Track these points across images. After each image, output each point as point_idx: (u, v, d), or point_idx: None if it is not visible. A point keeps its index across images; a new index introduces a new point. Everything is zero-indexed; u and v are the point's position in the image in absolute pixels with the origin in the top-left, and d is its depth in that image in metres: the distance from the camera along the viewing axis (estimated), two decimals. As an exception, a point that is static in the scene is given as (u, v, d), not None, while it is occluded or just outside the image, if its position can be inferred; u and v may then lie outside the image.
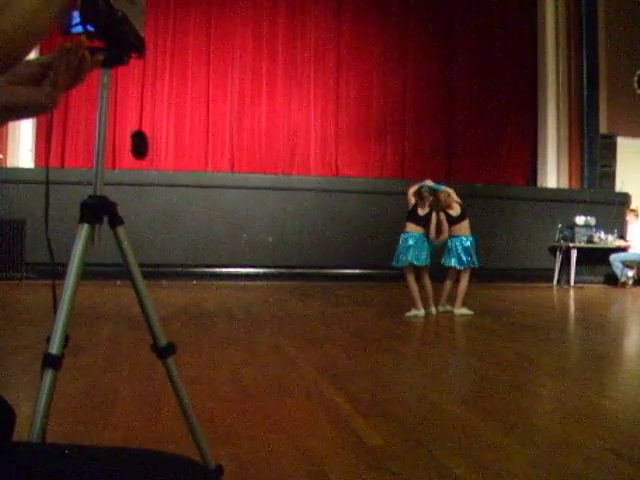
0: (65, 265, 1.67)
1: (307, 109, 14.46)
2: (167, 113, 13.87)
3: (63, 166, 13.02)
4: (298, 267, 12.15)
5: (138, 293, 1.86)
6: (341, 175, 14.15)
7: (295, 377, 4.63)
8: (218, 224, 12.01)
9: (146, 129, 12.81)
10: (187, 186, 12.03)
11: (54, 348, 1.59)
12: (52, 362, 1.58)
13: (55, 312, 1.62)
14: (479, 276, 12.55)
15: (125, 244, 1.80)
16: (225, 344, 5.92)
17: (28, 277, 10.59)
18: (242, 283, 11.56)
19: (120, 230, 1.79)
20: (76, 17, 1.37)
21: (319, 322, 7.62)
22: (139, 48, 1.58)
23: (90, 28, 1.38)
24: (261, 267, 12.16)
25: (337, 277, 11.88)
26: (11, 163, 12.58)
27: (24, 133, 12.87)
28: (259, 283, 11.66)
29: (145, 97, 13.73)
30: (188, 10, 14.02)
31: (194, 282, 11.36)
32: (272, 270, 12.15)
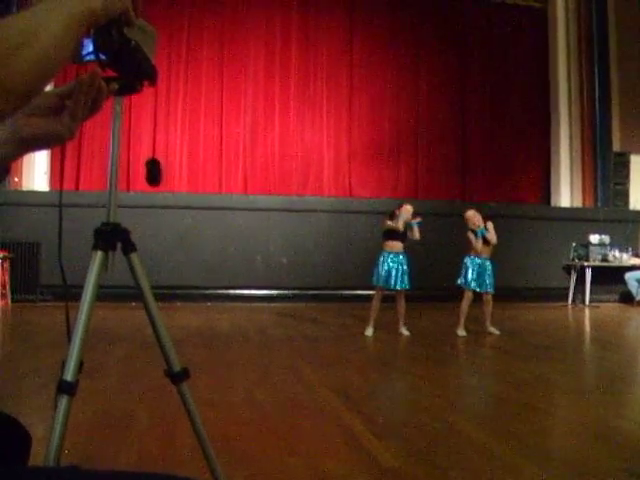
0: (79, 288, 1.68)
1: (320, 131, 14.52)
2: (181, 136, 13.96)
3: (78, 189, 13.11)
4: (312, 288, 12.14)
5: (152, 319, 1.86)
6: (355, 196, 14.18)
7: (310, 398, 4.63)
8: (232, 246, 12.03)
9: (160, 152, 13.02)
10: (201, 208, 12.07)
11: (69, 375, 1.60)
12: (67, 388, 1.58)
13: (69, 337, 1.63)
14: (494, 295, 12.55)
15: (139, 270, 1.81)
16: (240, 366, 5.92)
17: (43, 299, 10.64)
18: (256, 305, 11.56)
19: (134, 257, 1.80)
20: (88, 45, 1.38)
21: (334, 343, 7.61)
22: (151, 76, 1.58)
23: (102, 57, 1.38)
24: (275, 289, 12.16)
25: (352, 298, 11.87)
26: (26, 186, 12.67)
27: (39, 156, 12.96)
28: (273, 305, 11.66)
29: (159, 120, 13.82)
30: (201, 35, 14.14)
31: (208, 304, 11.37)
32: (286, 291, 12.14)
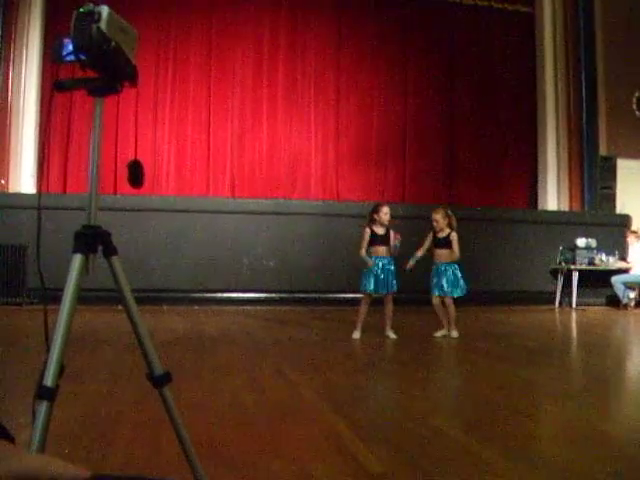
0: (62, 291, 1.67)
1: (308, 134, 14.52)
2: (168, 139, 13.94)
3: (65, 191, 13.06)
4: (299, 292, 12.12)
5: (133, 322, 1.85)
6: (342, 199, 14.18)
7: (296, 402, 4.61)
8: (219, 249, 12.00)
9: (147, 155, 12.99)
10: (188, 211, 12.04)
11: (49, 380, 1.57)
12: (47, 394, 1.56)
13: (47, 343, 1.61)
14: (481, 299, 12.55)
15: (120, 274, 1.79)
16: (226, 369, 5.90)
17: (30, 302, 10.58)
18: (243, 308, 11.53)
19: (114, 260, 1.78)
20: (68, 46, 1.36)
21: (321, 347, 7.60)
22: (132, 77, 1.56)
23: (82, 57, 1.37)
24: (262, 292, 12.13)
25: (339, 301, 11.86)
26: (13, 189, 12.62)
27: (26, 159, 12.91)
28: (260, 308, 11.63)
29: (147, 123, 13.79)
30: (189, 37, 14.12)
31: (195, 307, 11.33)
32: (273, 295, 12.12)
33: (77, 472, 0.93)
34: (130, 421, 3.95)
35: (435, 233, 8.45)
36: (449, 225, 8.44)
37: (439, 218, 8.41)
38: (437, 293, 8.41)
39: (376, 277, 8.18)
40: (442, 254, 8.43)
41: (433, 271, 8.47)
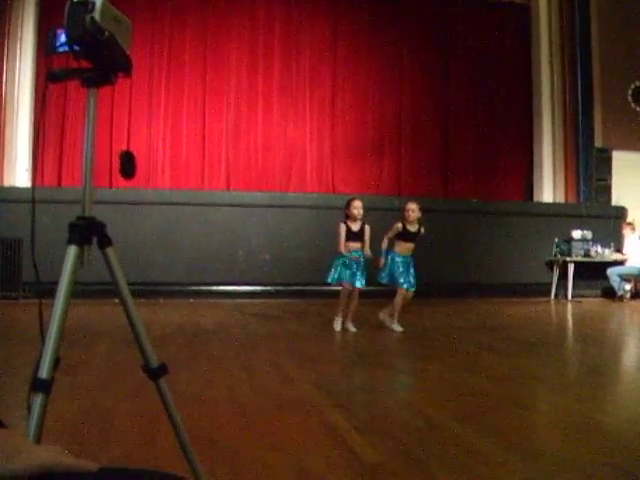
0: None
1: (303, 127, 14.49)
2: (163, 131, 13.89)
3: (60, 185, 13.02)
4: (295, 284, 12.11)
5: (128, 314, 1.84)
6: (338, 192, 14.15)
7: (293, 395, 4.62)
8: (215, 242, 11.98)
9: (142, 147, 12.94)
10: (183, 204, 12.01)
11: (44, 372, 1.56)
12: (41, 386, 1.55)
13: (42, 335, 1.60)
14: (477, 291, 12.56)
15: (115, 265, 1.78)
16: (222, 362, 5.90)
17: (26, 296, 10.56)
18: (239, 301, 11.52)
19: (109, 251, 1.77)
20: (61, 36, 1.35)
21: (316, 339, 7.60)
22: (126, 68, 1.55)
23: (76, 48, 1.35)
24: (258, 285, 12.12)
25: (334, 294, 11.85)
26: (8, 182, 12.58)
27: (21, 153, 12.88)
28: (256, 301, 11.62)
29: (141, 115, 13.74)
30: (184, 28, 14.07)
31: (191, 300, 11.33)
32: (269, 288, 12.11)
33: (87, 465, 1.01)
34: (126, 413, 3.95)
35: (405, 225, 8.38)
36: (419, 220, 8.39)
37: (415, 208, 8.33)
38: (408, 287, 8.30)
39: (341, 270, 8.13)
40: (409, 247, 8.35)
41: (399, 262, 8.30)
